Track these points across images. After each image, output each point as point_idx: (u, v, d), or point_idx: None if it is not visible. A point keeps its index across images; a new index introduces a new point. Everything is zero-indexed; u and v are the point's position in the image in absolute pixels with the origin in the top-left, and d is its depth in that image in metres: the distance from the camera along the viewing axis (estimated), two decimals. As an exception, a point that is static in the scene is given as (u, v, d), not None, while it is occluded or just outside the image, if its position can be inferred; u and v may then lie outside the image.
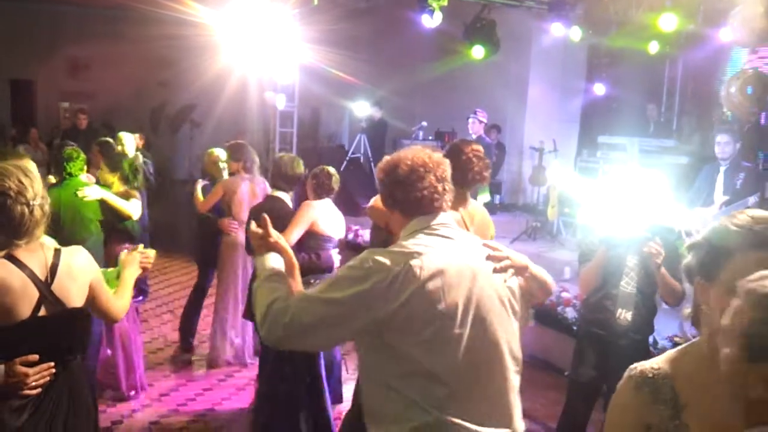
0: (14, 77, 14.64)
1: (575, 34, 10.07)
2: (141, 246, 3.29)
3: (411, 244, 2.28)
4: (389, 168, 2.42)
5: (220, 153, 6.85)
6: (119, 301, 3.02)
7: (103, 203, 5.36)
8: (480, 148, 4.05)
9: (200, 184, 6.80)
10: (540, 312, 6.96)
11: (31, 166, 2.78)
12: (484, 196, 9.96)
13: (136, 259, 3.20)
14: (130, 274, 3.15)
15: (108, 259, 5.07)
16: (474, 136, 9.41)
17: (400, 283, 2.18)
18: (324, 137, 15.43)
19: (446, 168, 2.43)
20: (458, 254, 2.33)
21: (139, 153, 8.11)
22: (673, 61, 11.96)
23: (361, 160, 11.83)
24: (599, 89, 11.96)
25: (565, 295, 6.95)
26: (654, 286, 4.10)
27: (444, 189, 2.40)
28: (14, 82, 14.76)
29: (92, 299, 2.85)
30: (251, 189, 6.37)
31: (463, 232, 2.50)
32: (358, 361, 2.49)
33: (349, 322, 2.21)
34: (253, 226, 2.54)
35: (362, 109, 12.40)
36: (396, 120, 12.37)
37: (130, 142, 7.86)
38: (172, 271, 9.67)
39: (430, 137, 11.70)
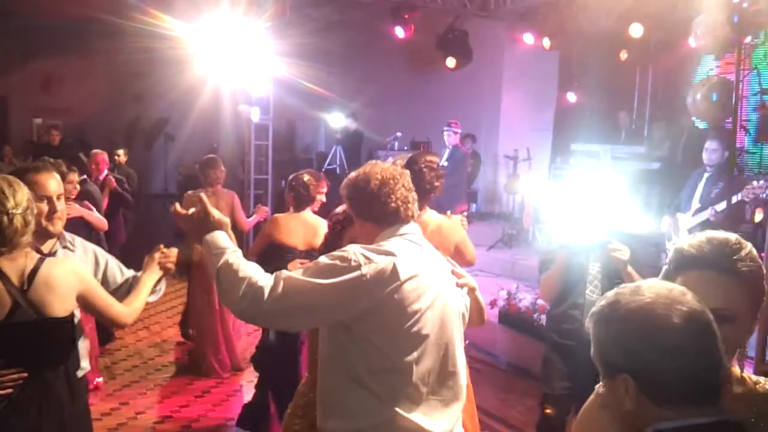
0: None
1: (546, 43, 10.19)
2: (161, 246, 3.25)
3: (389, 245, 2.39)
4: (361, 183, 2.50)
5: None
6: (129, 306, 3.03)
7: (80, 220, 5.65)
8: (434, 159, 4.18)
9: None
10: (516, 320, 7.01)
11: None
12: (460, 206, 10.03)
13: (154, 261, 3.19)
14: (148, 277, 3.16)
15: None
16: (450, 147, 9.50)
17: (385, 278, 2.29)
18: (300, 149, 15.43)
19: (409, 178, 2.56)
20: (428, 261, 2.48)
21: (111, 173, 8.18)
22: (644, 68, 12.09)
23: (338, 171, 11.85)
24: (571, 97, 12.07)
25: (541, 302, 7.00)
26: None
27: (413, 198, 2.54)
28: (-14, 99, 14.61)
29: (89, 308, 2.91)
30: (213, 201, 6.49)
31: (428, 243, 2.60)
32: (319, 355, 2.51)
33: (330, 310, 2.30)
34: (179, 207, 2.51)
35: (337, 120, 12.44)
36: (371, 131, 12.40)
37: (103, 160, 8.01)
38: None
39: (406, 147, 11.74)
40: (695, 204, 6.48)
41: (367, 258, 2.30)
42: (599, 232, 3.88)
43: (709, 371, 1.40)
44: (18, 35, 13.67)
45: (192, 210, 2.47)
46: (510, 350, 7.01)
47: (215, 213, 2.45)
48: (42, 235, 3.02)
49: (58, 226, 3.08)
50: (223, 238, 2.39)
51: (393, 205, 2.47)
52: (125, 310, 3.01)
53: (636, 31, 9.20)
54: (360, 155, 12.09)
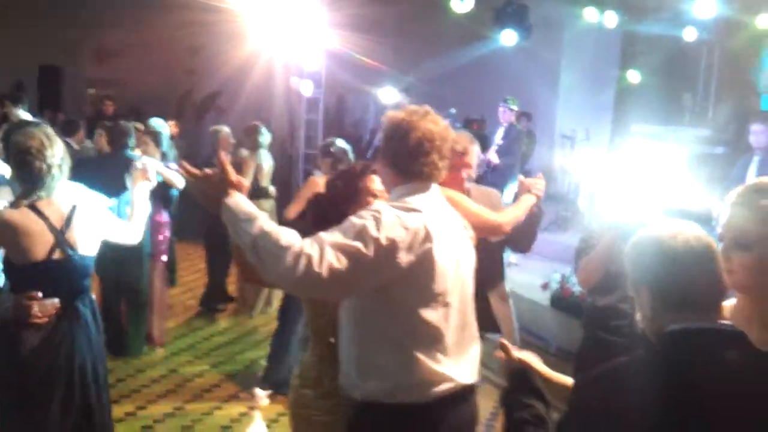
0: (42, 63, 14.67)
1: (610, 20, 9.82)
2: (139, 163, 3.81)
3: (414, 202, 2.41)
4: (400, 132, 2.48)
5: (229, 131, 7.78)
6: (136, 227, 3.63)
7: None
8: None
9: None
10: (569, 304, 6.79)
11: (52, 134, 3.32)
12: (515, 185, 9.76)
13: (138, 177, 3.75)
14: (138, 192, 3.71)
15: (152, 225, 6.09)
16: (504, 125, 9.23)
17: (420, 238, 2.31)
18: (349, 124, 15.28)
19: (449, 145, 2.55)
20: (448, 218, 2.55)
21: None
22: (710, 48, 11.60)
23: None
24: (633, 77, 11.65)
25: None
26: None
27: (444, 165, 2.53)
28: (42, 69, 14.80)
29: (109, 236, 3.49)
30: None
31: (444, 200, 2.62)
32: (345, 322, 2.53)
33: (376, 272, 2.26)
34: (189, 167, 2.44)
35: (390, 95, 12.22)
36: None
37: (162, 128, 7.98)
38: (198, 258, 9.51)
39: (458, 124, 11.45)
40: (749, 188, 6.25)
41: (399, 219, 2.30)
42: (652, 211, 3.51)
43: (705, 285, 1.79)
44: (72, 7, 13.80)
45: (207, 170, 2.36)
46: (561, 335, 6.79)
47: (233, 174, 2.30)
48: None
49: None
50: (246, 203, 2.26)
51: (418, 168, 2.47)
52: (135, 229, 3.61)
53: (704, 9, 8.77)
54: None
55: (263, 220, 2.21)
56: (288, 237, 2.16)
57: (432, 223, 2.36)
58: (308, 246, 2.15)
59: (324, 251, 2.15)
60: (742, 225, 1.78)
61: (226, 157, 2.36)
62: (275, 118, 12.46)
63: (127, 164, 5.90)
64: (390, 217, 2.27)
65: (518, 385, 2.10)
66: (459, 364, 2.49)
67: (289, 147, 11.23)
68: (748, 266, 1.76)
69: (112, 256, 5.41)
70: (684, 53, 11.44)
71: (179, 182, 6.22)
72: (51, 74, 14.85)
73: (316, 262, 2.12)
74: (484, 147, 9.61)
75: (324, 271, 2.13)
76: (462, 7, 8.89)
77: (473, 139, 3.92)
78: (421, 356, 2.38)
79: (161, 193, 6.15)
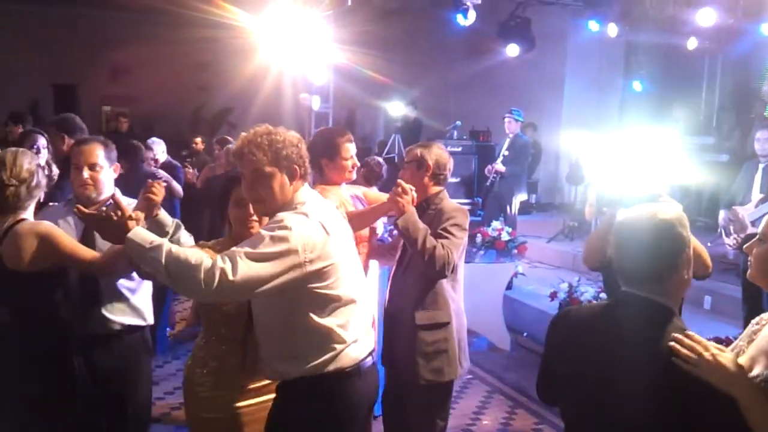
0: (56, 82, 14.91)
1: (612, 30, 9.97)
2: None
3: (307, 206, 2.68)
4: (270, 141, 2.67)
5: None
6: (104, 253, 3.20)
7: None
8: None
9: None
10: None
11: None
12: (522, 195, 9.91)
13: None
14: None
15: None
16: (510, 135, 9.37)
17: (320, 236, 2.59)
18: (359, 138, 15.47)
19: (303, 145, 2.79)
20: (328, 208, 2.84)
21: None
22: (713, 56, 11.73)
23: (395, 160, 11.84)
24: (637, 86, 11.80)
25: (603, 296, 6.86)
26: None
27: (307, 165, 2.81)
28: (57, 87, 15.03)
29: (61, 260, 3.10)
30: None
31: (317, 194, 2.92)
32: (259, 311, 2.76)
33: (286, 273, 2.51)
34: (83, 208, 2.65)
35: (397, 109, 12.40)
36: (431, 120, 12.32)
37: (160, 148, 8.11)
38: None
39: (465, 136, 11.63)
40: (756, 195, 6.31)
41: (299, 224, 2.55)
42: (648, 187, 3.57)
43: (659, 266, 2.05)
44: (86, 26, 14.05)
45: (103, 209, 2.58)
46: (542, 329, 6.86)
47: (128, 209, 2.57)
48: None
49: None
50: (147, 232, 2.52)
51: (295, 167, 2.69)
52: (91, 255, 3.16)
53: (705, 17, 8.90)
54: (419, 144, 11.99)
55: (168, 245, 2.46)
56: (197, 255, 2.44)
57: (324, 219, 2.65)
58: (220, 260, 2.42)
59: (236, 262, 2.42)
60: (765, 223, 2.14)
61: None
62: (285, 133, 12.64)
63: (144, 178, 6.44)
64: (293, 224, 2.53)
65: None
66: (364, 334, 2.81)
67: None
68: (759, 256, 2.12)
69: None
70: (687, 62, 11.57)
71: (179, 192, 6.80)
72: (66, 93, 15.07)
73: (229, 272, 2.39)
74: (490, 158, 9.77)
75: (238, 279, 2.40)
76: (466, 22, 9.06)
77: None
78: (333, 327, 2.66)
79: (165, 204, 6.45)
